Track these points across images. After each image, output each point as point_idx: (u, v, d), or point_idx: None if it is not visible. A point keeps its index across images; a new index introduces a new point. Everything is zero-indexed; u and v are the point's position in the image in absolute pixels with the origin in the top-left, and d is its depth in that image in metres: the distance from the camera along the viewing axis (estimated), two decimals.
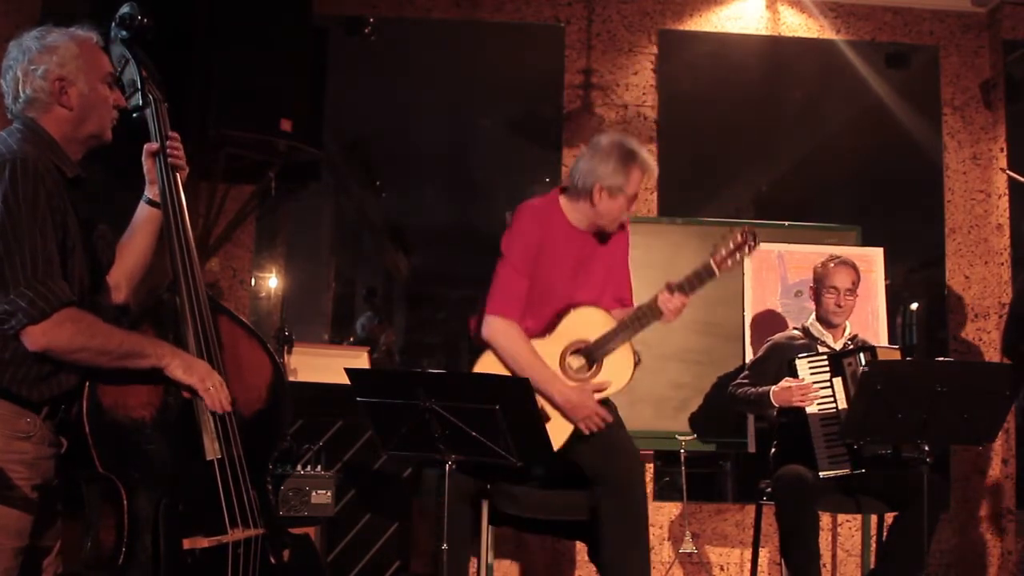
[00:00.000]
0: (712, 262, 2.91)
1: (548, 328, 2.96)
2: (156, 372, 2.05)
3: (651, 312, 2.89)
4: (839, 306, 3.49)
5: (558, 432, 2.85)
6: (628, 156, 2.92)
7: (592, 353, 2.93)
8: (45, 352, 1.90)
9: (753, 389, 3.46)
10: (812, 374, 3.37)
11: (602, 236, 3.06)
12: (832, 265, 3.52)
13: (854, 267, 3.53)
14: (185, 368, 2.06)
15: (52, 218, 1.91)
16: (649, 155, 3.01)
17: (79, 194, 2.05)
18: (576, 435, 2.88)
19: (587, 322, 2.94)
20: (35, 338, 1.88)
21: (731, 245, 2.93)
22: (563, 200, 3.04)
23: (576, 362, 2.95)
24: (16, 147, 1.93)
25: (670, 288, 2.88)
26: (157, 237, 2.28)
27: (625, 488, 2.86)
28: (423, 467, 2.99)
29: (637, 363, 3.06)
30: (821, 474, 3.26)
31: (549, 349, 2.93)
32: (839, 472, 3.28)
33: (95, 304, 2.03)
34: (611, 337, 2.91)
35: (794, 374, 3.38)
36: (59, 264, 1.92)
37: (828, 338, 3.54)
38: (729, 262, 2.92)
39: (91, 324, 1.96)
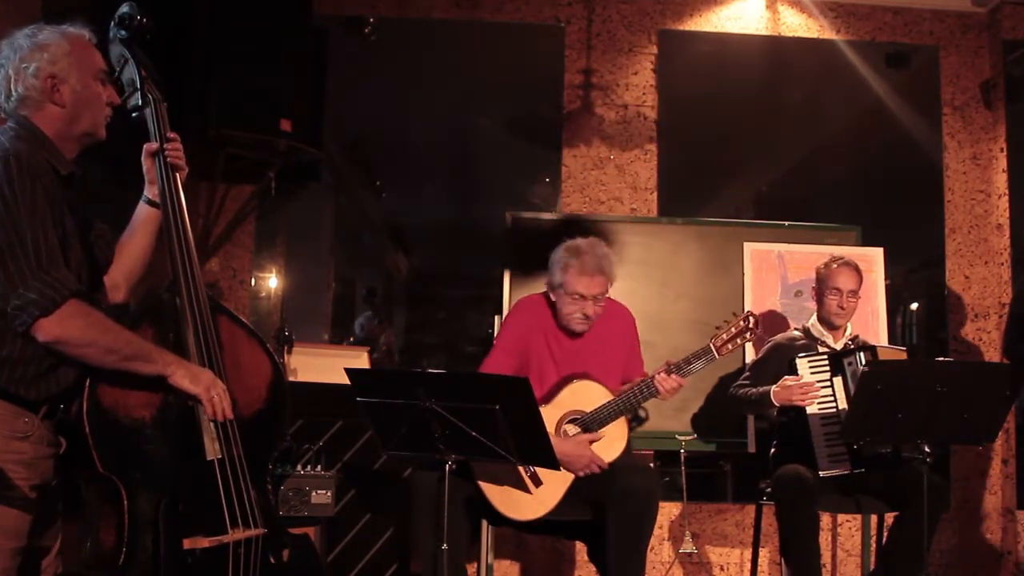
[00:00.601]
0: (712, 346, 2.99)
1: (548, 396, 3.05)
2: (158, 379, 2.05)
3: (647, 390, 2.98)
4: (842, 308, 3.48)
5: (552, 493, 2.94)
6: (568, 254, 3.03)
7: (588, 423, 3.02)
8: (56, 343, 1.89)
9: (754, 389, 3.45)
10: (812, 373, 3.36)
11: (599, 327, 3.13)
12: (835, 266, 3.51)
13: (857, 269, 3.52)
14: (191, 378, 2.06)
15: (51, 213, 1.91)
16: (595, 256, 3.01)
17: (75, 192, 2.04)
18: (578, 481, 2.96)
19: (586, 394, 3.04)
20: (48, 329, 1.87)
21: (732, 331, 3.01)
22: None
23: (572, 429, 3.04)
24: (8, 145, 1.93)
25: (668, 368, 2.96)
26: (156, 237, 2.27)
27: (642, 504, 2.89)
28: (415, 472, 3.00)
29: (644, 419, 3.07)
30: (821, 473, 3.26)
31: (547, 414, 2.98)
32: (839, 471, 3.28)
33: (93, 303, 2.03)
34: (606, 410, 3.00)
35: (794, 373, 3.38)
36: (61, 256, 1.92)
37: (828, 339, 3.53)
38: (730, 346, 3.00)
39: (102, 320, 1.97)
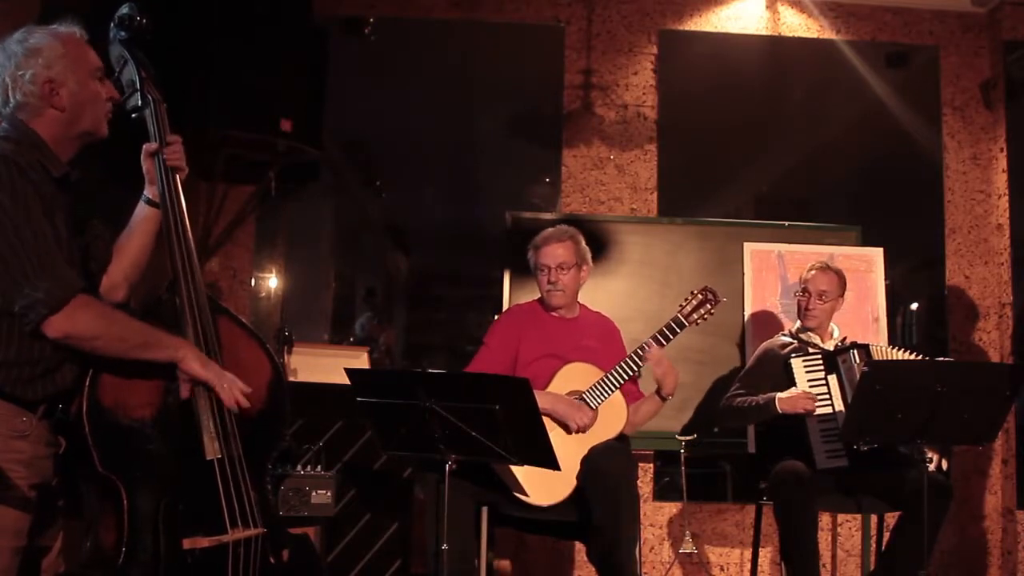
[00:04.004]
0: (680, 316, 3.14)
1: (544, 385, 3.11)
2: (159, 370, 2.05)
3: (635, 358, 3.09)
4: (808, 309, 3.52)
5: (565, 482, 2.98)
6: (533, 240, 3.29)
7: (586, 402, 3.09)
8: (67, 338, 1.90)
9: (754, 397, 3.44)
10: (807, 372, 3.38)
11: (590, 328, 3.29)
12: (813, 272, 3.56)
13: (837, 273, 3.56)
14: (203, 363, 2.06)
15: (44, 210, 1.91)
16: (548, 231, 3.27)
17: (69, 193, 2.03)
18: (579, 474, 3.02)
19: (579, 375, 3.12)
20: (57, 326, 1.88)
21: (694, 303, 3.16)
22: None
23: None
24: None
25: (648, 342, 3.10)
26: (155, 236, 2.27)
27: (617, 483, 2.91)
28: (423, 471, 3.01)
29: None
30: (820, 468, 3.27)
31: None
32: (837, 464, 3.28)
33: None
34: (602, 385, 3.08)
35: (790, 374, 3.39)
36: (59, 253, 1.92)
37: (817, 340, 3.54)
38: (695, 316, 3.15)
39: (109, 311, 1.98)
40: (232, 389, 2.08)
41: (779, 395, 3.35)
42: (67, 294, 1.88)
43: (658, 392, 3.10)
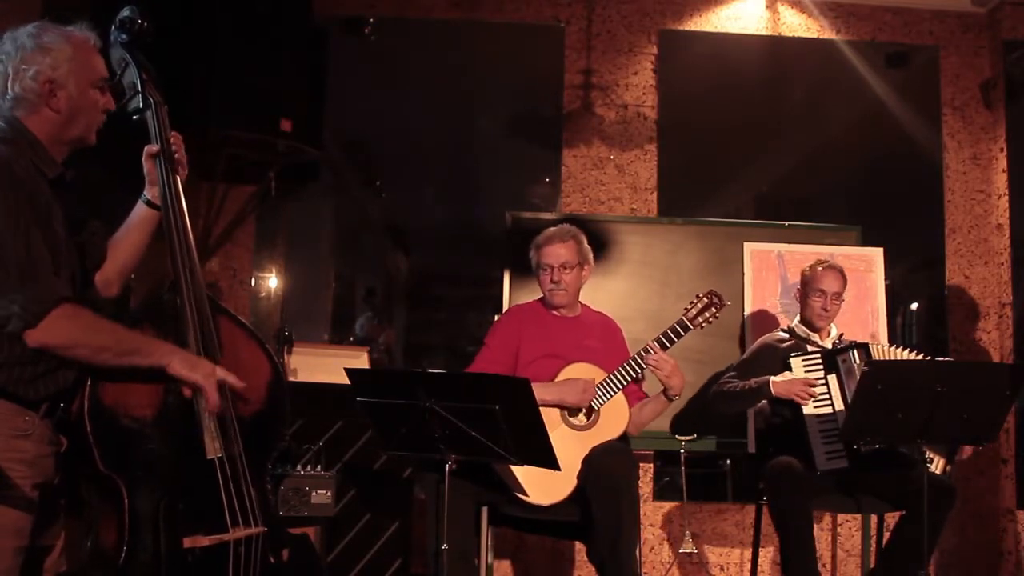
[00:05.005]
0: (684, 319, 3.15)
1: (547, 381, 3.11)
2: (159, 370, 2.05)
3: (639, 361, 3.11)
4: (825, 310, 3.50)
5: (565, 482, 2.97)
6: (535, 240, 3.32)
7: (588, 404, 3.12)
8: (44, 349, 1.90)
9: (747, 381, 3.44)
10: (806, 372, 3.38)
11: (591, 327, 3.30)
12: (820, 269, 3.53)
13: (842, 272, 3.55)
14: (189, 366, 2.05)
15: (37, 218, 1.90)
16: (550, 231, 3.28)
17: (63, 193, 2.03)
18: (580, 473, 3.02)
19: (582, 375, 3.12)
20: (34, 337, 1.88)
21: (699, 306, 3.16)
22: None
23: (575, 418, 3.13)
24: None
25: (652, 344, 3.11)
26: (152, 236, 2.27)
27: (618, 483, 2.91)
28: (423, 471, 3.01)
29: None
30: (820, 469, 3.27)
31: None
32: (837, 466, 3.28)
33: (84, 300, 2.02)
34: (605, 386, 3.09)
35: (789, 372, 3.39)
36: (49, 262, 1.91)
37: (815, 338, 3.54)
38: (700, 319, 3.15)
39: (89, 321, 1.96)
40: (223, 388, 2.08)
41: (773, 378, 3.35)
42: (44, 308, 1.86)
43: (664, 393, 3.10)
